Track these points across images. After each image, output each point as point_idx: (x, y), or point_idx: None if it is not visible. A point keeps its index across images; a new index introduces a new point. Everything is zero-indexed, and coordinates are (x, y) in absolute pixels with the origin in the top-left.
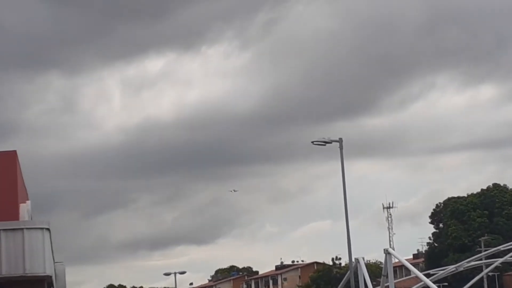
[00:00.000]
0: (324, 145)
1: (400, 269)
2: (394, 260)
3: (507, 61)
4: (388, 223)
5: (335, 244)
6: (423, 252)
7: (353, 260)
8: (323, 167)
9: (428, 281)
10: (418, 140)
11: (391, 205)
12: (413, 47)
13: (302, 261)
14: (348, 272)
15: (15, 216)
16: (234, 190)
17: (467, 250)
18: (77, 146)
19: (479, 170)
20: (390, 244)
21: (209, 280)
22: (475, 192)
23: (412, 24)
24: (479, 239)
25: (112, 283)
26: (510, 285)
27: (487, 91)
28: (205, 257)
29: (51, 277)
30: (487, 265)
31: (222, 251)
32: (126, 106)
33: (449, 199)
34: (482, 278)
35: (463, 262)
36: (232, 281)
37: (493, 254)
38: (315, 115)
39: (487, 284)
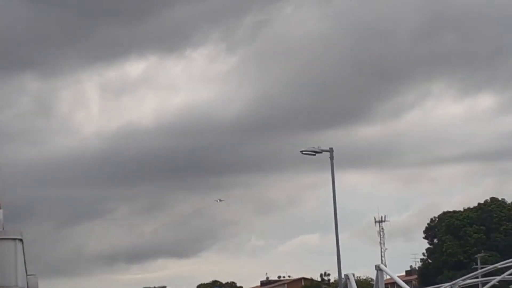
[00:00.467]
0: (314, 154)
1: (392, 286)
2: (386, 277)
3: (507, 69)
4: (380, 237)
5: (324, 259)
6: (416, 268)
7: (342, 276)
8: (312, 178)
9: None
10: (413, 151)
11: (383, 219)
12: (408, 53)
13: (289, 276)
14: None
15: None
16: (220, 200)
17: (463, 267)
18: (52, 153)
19: (476, 183)
20: (381, 260)
21: None
22: (471, 206)
23: (407, 28)
24: (476, 255)
25: None
26: None
27: (485, 100)
28: (186, 271)
29: None
30: (484, 283)
31: (204, 265)
32: (105, 111)
33: (444, 213)
34: None
35: (458, 280)
36: None
37: (490, 272)
38: (304, 123)
39: None
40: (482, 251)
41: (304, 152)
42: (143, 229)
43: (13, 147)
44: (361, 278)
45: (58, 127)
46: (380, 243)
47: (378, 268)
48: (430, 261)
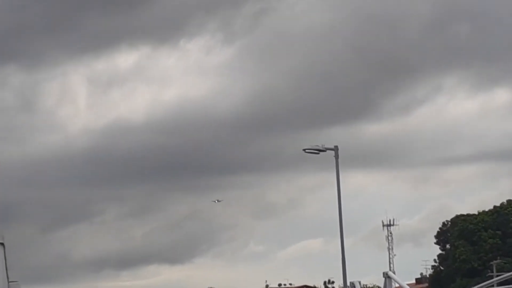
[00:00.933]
0: (318, 153)
1: None
2: (395, 285)
3: None
4: (388, 242)
5: (328, 266)
6: (427, 276)
7: (348, 284)
8: (315, 179)
9: None
10: (423, 150)
11: (391, 223)
12: (418, 45)
13: (290, 284)
14: None
15: None
16: (218, 200)
17: (477, 275)
18: (36, 151)
19: (491, 184)
20: (390, 267)
21: None
22: (486, 210)
23: (417, 19)
24: (491, 262)
25: None
26: None
27: (501, 95)
28: (180, 278)
29: None
30: None
31: (199, 271)
32: (93, 105)
33: (457, 216)
34: None
35: None
36: None
37: (506, 280)
38: (307, 119)
39: None
40: (498, 257)
41: (307, 151)
42: (134, 233)
43: None
44: (367, 286)
45: (42, 123)
46: (388, 248)
47: (386, 276)
48: (442, 268)
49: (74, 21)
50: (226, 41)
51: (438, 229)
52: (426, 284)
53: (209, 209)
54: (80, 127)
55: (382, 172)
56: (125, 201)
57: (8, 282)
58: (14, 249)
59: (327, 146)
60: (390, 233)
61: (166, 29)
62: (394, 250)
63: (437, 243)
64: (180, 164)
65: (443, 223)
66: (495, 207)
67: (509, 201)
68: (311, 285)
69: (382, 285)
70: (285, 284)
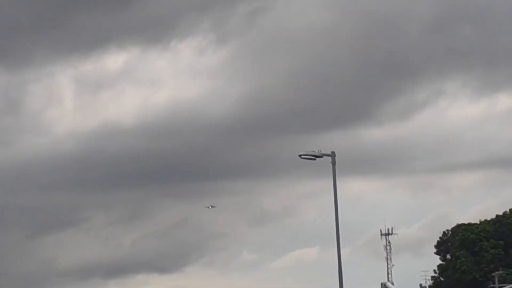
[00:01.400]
0: (314, 159)
1: None
2: None
3: None
4: (387, 252)
5: (324, 276)
6: (427, 287)
7: None
8: (311, 185)
9: None
10: (423, 156)
11: (390, 232)
12: (419, 47)
13: None
14: None
15: None
16: (212, 206)
17: (479, 286)
18: (21, 154)
19: (494, 192)
20: (388, 277)
21: None
22: (489, 219)
23: (419, 20)
24: (493, 273)
25: None
26: None
27: (504, 100)
28: None
29: None
30: None
31: (189, 281)
32: (80, 108)
33: (458, 226)
34: None
35: None
36: None
37: None
38: (304, 123)
39: None
40: (500, 268)
41: (303, 157)
42: (122, 241)
43: None
44: None
45: (27, 125)
46: (387, 258)
47: (384, 286)
48: (442, 279)
49: (62, 21)
50: (219, 42)
51: (438, 239)
52: None
53: (200, 216)
54: (67, 130)
55: (380, 179)
56: (113, 207)
57: None
58: None
59: (323, 151)
60: (389, 242)
61: (156, 29)
62: (392, 260)
63: (437, 253)
64: (171, 169)
65: (444, 232)
66: (497, 216)
67: None
68: None
69: None
70: None
